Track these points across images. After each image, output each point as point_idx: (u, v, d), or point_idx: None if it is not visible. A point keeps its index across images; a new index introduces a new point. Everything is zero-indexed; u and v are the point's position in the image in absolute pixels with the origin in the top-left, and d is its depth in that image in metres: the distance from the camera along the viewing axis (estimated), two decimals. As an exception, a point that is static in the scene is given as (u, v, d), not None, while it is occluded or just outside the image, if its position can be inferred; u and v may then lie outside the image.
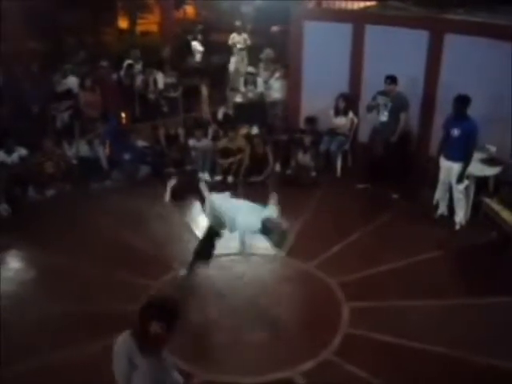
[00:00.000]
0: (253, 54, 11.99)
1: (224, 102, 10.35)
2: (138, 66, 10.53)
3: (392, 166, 7.51)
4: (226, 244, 5.71)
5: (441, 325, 5.05)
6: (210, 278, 5.91)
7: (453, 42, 7.41)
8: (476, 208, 6.76)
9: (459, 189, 6.60)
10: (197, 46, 12.77)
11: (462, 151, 6.40)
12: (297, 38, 8.85)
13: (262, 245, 5.28)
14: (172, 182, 7.98)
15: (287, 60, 9.55)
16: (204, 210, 5.52)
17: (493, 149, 6.97)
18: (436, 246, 6.31)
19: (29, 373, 4.48)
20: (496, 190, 6.74)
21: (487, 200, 6.42)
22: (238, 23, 12.64)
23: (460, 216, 6.72)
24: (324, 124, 8.59)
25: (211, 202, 5.34)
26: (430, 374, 4.53)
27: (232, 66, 12.13)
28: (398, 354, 4.75)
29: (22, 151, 7.79)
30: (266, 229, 4.75)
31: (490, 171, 6.87)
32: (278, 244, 4.94)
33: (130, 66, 10.39)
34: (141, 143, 8.85)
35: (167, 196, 6.98)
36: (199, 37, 12.91)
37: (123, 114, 9.54)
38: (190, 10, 15.74)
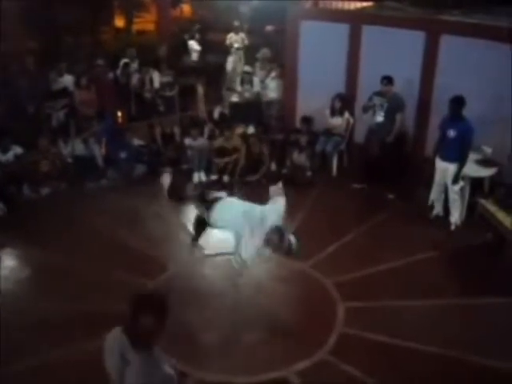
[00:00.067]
0: (249, 53, 12.01)
1: (220, 101, 10.38)
2: (134, 65, 10.52)
3: (388, 166, 7.53)
4: (221, 244, 5.70)
5: (436, 325, 5.07)
6: (205, 277, 5.93)
7: (449, 43, 7.42)
8: (471, 209, 6.79)
9: (454, 189, 6.63)
10: (194, 45, 12.75)
11: (457, 152, 6.44)
12: (293, 38, 8.85)
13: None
14: (165, 178, 8.01)
15: (283, 60, 9.55)
16: (197, 208, 5.51)
17: (488, 150, 7.01)
18: (431, 247, 6.33)
19: (26, 371, 4.48)
20: (491, 191, 6.77)
21: (482, 201, 6.43)
22: (235, 23, 12.66)
23: (455, 217, 6.75)
24: (320, 124, 8.59)
25: (228, 203, 5.21)
26: (424, 373, 4.54)
27: (229, 66, 12.15)
28: (392, 353, 4.76)
29: (18, 150, 7.74)
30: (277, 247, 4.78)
31: (485, 172, 6.91)
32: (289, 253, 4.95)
33: (126, 65, 10.38)
34: (137, 142, 8.86)
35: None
36: (196, 36, 12.90)
37: (119, 113, 9.50)
38: (186, 8, 15.72)
